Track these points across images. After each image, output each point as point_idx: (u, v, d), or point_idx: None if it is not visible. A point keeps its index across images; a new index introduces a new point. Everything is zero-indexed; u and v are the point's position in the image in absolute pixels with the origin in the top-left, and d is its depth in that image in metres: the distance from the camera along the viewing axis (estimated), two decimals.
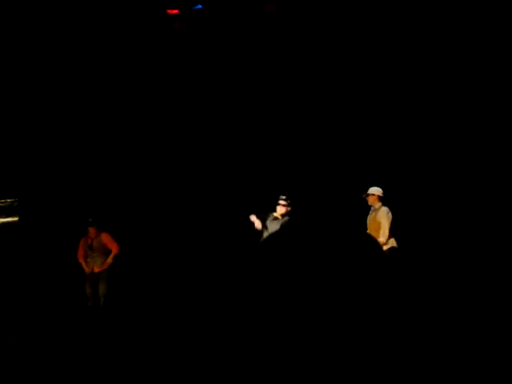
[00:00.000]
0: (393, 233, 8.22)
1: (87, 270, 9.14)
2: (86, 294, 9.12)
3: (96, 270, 9.13)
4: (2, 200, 11.04)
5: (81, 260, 9.22)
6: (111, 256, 9.13)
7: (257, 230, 8.46)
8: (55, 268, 10.23)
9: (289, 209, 8.50)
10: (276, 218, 8.50)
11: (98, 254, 9.17)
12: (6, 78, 10.46)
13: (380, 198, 8.39)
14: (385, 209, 8.27)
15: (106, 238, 9.19)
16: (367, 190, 8.48)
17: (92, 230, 9.16)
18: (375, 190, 8.42)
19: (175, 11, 10.84)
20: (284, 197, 8.55)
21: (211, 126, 11.02)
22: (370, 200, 8.42)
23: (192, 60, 11.01)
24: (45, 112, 10.87)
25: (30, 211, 11.11)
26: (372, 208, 8.43)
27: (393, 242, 8.20)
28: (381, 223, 8.13)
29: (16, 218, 11.09)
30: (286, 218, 8.43)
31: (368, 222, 8.34)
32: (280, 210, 8.50)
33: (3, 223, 10.96)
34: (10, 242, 10.61)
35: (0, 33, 9.98)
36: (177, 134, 11.12)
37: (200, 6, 10.94)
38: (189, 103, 11.11)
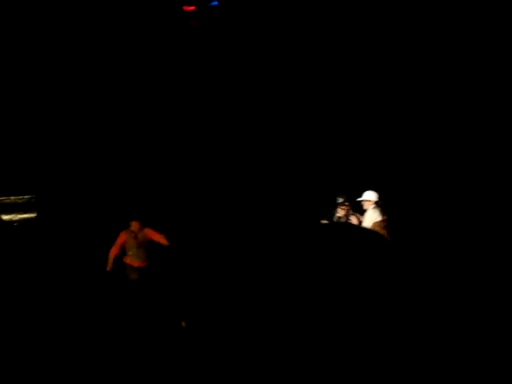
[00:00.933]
0: (388, 231, 8.39)
1: (137, 263, 9.08)
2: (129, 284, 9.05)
3: (140, 264, 9.10)
4: (19, 196, 11.02)
5: (113, 254, 9.01)
6: (164, 244, 9.05)
7: None
8: (72, 265, 10.21)
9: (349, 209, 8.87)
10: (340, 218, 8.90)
11: (142, 249, 9.10)
12: (22, 74, 10.50)
13: (375, 202, 8.60)
14: (371, 212, 8.53)
15: (151, 233, 9.12)
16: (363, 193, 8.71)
17: (136, 225, 9.04)
18: (369, 196, 8.67)
19: (192, 8, 10.93)
20: (344, 198, 8.84)
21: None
22: (365, 205, 8.70)
23: (206, 58, 11.10)
24: (62, 105, 10.91)
25: (47, 208, 11.11)
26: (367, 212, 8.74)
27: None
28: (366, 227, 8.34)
29: (33, 215, 11.07)
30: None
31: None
32: (341, 211, 8.87)
33: (21, 220, 10.94)
34: (27, 239, 10.60)
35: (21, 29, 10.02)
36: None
37: (216, 3, 11.05)
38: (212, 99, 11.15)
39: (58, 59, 10.58)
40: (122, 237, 9.06)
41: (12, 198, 10.95)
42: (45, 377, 6.13)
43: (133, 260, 9.07)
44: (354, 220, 8.86)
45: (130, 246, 9.05)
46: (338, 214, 8.87)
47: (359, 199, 8.78)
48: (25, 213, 10.97)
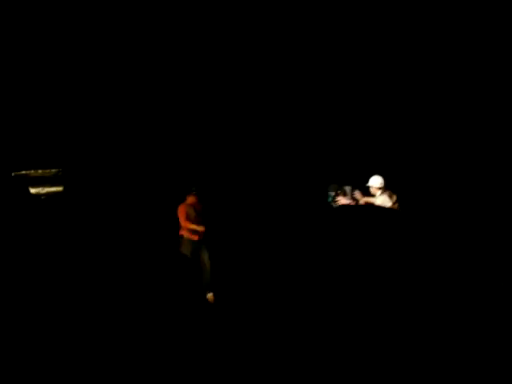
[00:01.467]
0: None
1: (196, 236, 9.26)
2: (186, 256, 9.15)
3: (201, 236, 9.30)
4: (46, 170, 11.04)
5: (192, 225, 9.21)
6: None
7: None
8: (100, 240, 10.23)
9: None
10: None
11: (202, 222, 9.35)
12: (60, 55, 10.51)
13: (379, 188, 8.99)
14: (382, 197, 8.86)
15: (202, 209, 9.46)
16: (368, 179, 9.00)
17: (194, 199, 9.31)
18: (374, 182, 9.03)
19: None
20: (334, 189, 9.01)
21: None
22: (372, 190, 9.05)
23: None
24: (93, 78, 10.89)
25: (74, 181, 11.13)
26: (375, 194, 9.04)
27: None
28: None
29: (60, 188, 11.10)
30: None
31: None
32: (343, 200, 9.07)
33: (48, 193, 10.97)
34: (55, 212, 10.65)
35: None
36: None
37: None
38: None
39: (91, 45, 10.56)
40: (183, 209, 9.28)
41: (39, 171, 10.99)
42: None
43: (191, 233, 9.26)
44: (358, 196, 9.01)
45: (193, 218, 9.29)
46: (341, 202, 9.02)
47: (367, 184, 9.03)
48: (52, 186, 11.02)
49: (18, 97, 10.91)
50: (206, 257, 9.20)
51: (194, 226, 9.20)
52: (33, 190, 10.69)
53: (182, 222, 9.23)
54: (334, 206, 9.01)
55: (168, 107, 11.23)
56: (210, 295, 9.16)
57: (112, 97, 11.01)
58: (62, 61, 10.77)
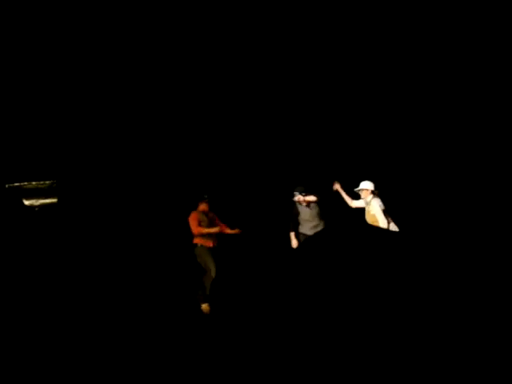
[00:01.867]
0: (392, 218, 8.88)
1: (211, 242, 9.18)
2: (206, 266, 9.02)
3: (215, 243, 9.22)
4: (40, 182, 10.92)
5: (205, 229, 9.12)
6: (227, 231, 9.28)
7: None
8: (94, 251, 10.12)
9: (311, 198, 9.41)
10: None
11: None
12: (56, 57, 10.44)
13: (372, 192, 9.04)
14: (374, 201, 8.89)
15: (214, 216, 9.38)
16: (359, 184, 9.13)
17: (206, 206, 9.25)
18: (366, 185, 9.06)
19: None
20: (299, 190, 9.43)
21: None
22: (363, 194, 9.11)
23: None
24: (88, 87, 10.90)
25: (68, 193, 11.00)
26: (364, 200, 9.11)
27: (393, 227, 8.83)
28: (375, 215, 8.79)
29: (55, 200, 10.96)
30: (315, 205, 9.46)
31: (366, 216, 9.00)
32: (302, 201, 9.39)
33: (42, 205, 10.84)
34: (49, 224, 10.52)
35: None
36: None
37: None
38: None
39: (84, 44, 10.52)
40: (195, 216, 9.20)
41: (33, 183, 10.87)
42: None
43: (206, 240, 9.17)
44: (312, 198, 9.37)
45: (206, 225, 9.20)
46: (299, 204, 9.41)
47: (357, 189, 9.11)
48: (46, 198, 10.86)
49: (11, 108, 10.85)
50: (213, 260, 9.13)
51: (207, 230, 9.08)
52: (27, 202, 10.57)
53: (194, 228, 9.10)
54: (298, 204, 9.34)
55: (171, 113, 11.21)
56: (205, 306, 8.96)
57: (108, 106, 10.98)
58: (56, 71, 10.75)
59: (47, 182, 10.85)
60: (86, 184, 11.12)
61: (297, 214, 9.48)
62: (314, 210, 9.47)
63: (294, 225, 9.50)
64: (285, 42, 10.62)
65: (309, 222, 9.42)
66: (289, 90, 11.02)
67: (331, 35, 10.45)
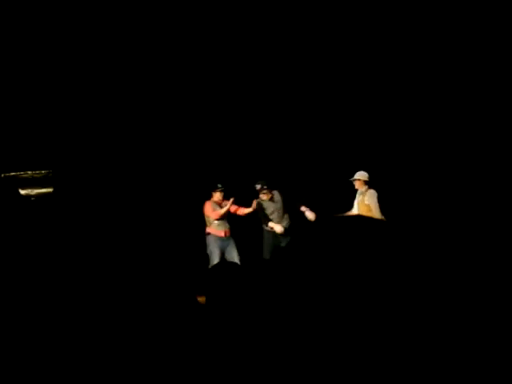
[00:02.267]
0: (382, 212, 8.74)
1: (223, 231, 9.14)
2: (213, 256, 8.92)
3: (228, 233, 9.18)
4: (36, 171, 10.91)
5: (222, 210, 9.06)
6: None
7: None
8: (92, 241, 10.04)
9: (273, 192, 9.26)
10: (263, 199, 9.29)
11: (227, 218, 9.26)
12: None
13: (366, 182, 8.88)
14: (372, 191, 8.79)
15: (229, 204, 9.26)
16: (353, 174, 8.97)
17: (220, 196, 9.19)
18: (361, 175, 8.90)
19: None
20: (258, 186, 9.21)
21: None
22: (357, 184, 8.92)
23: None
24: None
25: (65, 183, 10.96)
26: (358, 191, 8.93)
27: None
28: (370, 205, 8.70)
29: (50, 190, 10.93)
30: (278, 198, 9.27)
31: (357, 205, 8.87)
32: (263, 196, 9.22)
33: (38, 194, 10.81)
34: (45, 214, 10.46)
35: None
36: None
37: None
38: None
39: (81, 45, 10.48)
40: (210, 204, 9.19)
41: (29, 172, 10.84)
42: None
43: (218, 230, 9.14)
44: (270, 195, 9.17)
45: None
46: (262, 199, 9.25)
47: (351, 179, 8.94)
48: (42, 187, 10.85)
49: (6, 98, 10.75)
50: (234, 254, 9.04)
51: (224, 209, 9.00)
52: (23, 192, 10.52)
53: (211, 213, 9.04)
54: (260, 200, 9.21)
55: (164, 104, 11.13)
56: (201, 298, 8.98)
57: (103, 95, 10.89)
58: (52, 61, 10.65)
59: (43, 172, 10.93)
60: (82, 174, 11.02)
61: (262, 209, 9.31)
62: (278, 203, 9.30)
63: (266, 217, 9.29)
64: (285, 42, 10.65)
65: (274, 217, 9.24)
66: (289, 90, 11.04)
67: (331, 35, 10.51)
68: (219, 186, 9.19)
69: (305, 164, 11.02)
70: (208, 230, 9.20)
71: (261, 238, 9.34)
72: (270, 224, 9.15)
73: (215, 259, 8.85)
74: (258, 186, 9.23)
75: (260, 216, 9.24)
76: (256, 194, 9.37)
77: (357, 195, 9.05)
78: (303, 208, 9.04)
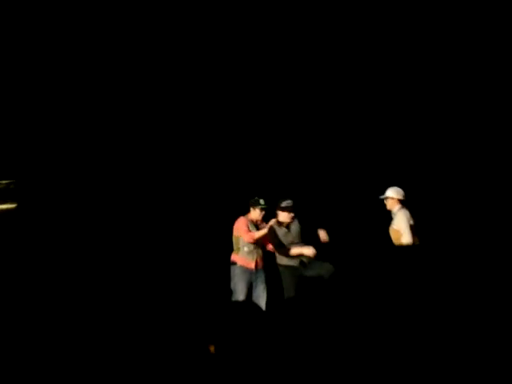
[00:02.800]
0: (417, 234, 7.15)
1: (253, 263, 7.36)
2: (237, 293, 7.23)
3: (260, 264, 7.39)
4: None
5: (260, 233, 7.27)
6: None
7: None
8: (60, 265, 8.33)
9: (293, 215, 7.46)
10: (281, 224, 7.45)
11: (261, 245, 7.45)
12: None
13: (399, 201, 7.21)
14: (401, 213, 7.10)
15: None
16: (384, 191, 7.32)
17: (260, 214, 7.46)
18: (394, 192, 7.25)
19: None
20: (289, 202, 7.41)
21: None
22: (389, 204, 7.26)
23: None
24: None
25: (29, 196, 9.12)
26: (392, 213, 7.24)
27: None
28: (400, 231, 7.05)
29: (13, 205, 9.08)
30: (296, 226, 7.49)
31: (390, 232, 7.20)
32: (285, 217, 7.36)
33: None
34: (6, 234, 8.69)
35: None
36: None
37: None
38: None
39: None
40: (245, 222, 7.39)
41: None
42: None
43: (248, 259, 7.39)
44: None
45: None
46: (280, 219, 7.41)
47: (382, 196, 7.25)
48: (3, 202, 9.05)
49: None
50: (260, 291, 7.35)
51: (261, 232, 7.23)
52: None
53: (245, 233, 7.29)
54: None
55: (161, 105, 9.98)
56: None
57: (73, 96, 9.47)
58: (16, 66, 9.38)
59: (3, 182, 9.11)
60: (52, 185, 9.20)
61: (275, 236, 7.48)
62: (296, 233, 7.48)
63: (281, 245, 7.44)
64: (285, 42, 9.99)
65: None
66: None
67: (331, 35, 9.96)
68: (261, 202, 7.47)
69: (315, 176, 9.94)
70: (234, 257, 7.46)
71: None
72: (294, 251, 7.28)
73: (240, 296, 7.16)
74: (287, 204, 7.37)
75: (273, 244, 7.43)
76: (271, 214, 7.57)
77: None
78: (322, 235, 7.33)
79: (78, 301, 7.60)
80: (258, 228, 7.42)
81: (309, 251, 7.13)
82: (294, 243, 7.33)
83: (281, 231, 7.35)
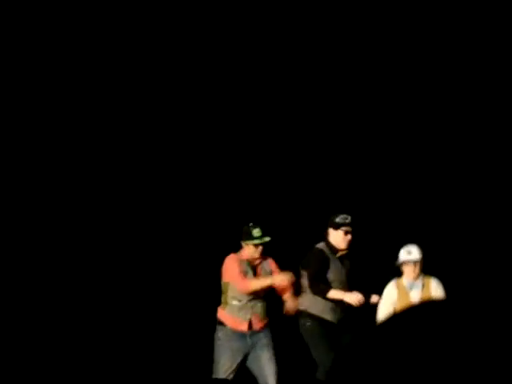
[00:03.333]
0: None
1: (245, 325, 5.19)
2: (218, 366, 5.13)
3: (258, 324, 5.26)
4: None
5: (259, 282, 5.26)
6: (290, 297, 5.19)
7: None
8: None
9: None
10: (335, 252, 5.55)
11: (262, 294, 5.32)
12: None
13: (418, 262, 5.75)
14: (436, 279, 5.84)
15: (274, 266, 5.45)
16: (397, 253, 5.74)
17: (258, 252, 5.30)
18: (414, 256, 5.65)
19: None
20: (347, 217, 5.67)
21: None
22: (417, 269, 5.66)
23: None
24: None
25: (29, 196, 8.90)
26: (410, 282, 5.68)
27: None
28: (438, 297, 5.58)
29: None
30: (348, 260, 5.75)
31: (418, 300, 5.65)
32: (341, 240, 5.55)
33: None
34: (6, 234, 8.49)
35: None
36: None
37: None
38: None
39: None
40: (236, 264, 5.28)
41: None
42: None
43: (238, 318, 5.24)
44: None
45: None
46: (333, 242, 5.62)
47: (401, 261, 5.63)
48: None
49: None
50: (266, 363, 5.16)
51: (261, 282, 5.18)
52: None
53: (237, 278, 5.21)
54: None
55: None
56: None
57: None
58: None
59: None
60: (52, 185, 9.01)
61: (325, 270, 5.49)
62: (347, 270, 5.59)
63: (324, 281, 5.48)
64: (284, 42, 9.91)
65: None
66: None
67: (331, 35, 9.89)
68: (255, 234, 5.28)
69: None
70: (220, 314, 5.43)
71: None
72: (334, 293, 5.34)
73: (220, 373, 5.11)
74: (344, 219, 5.61)
75: (312, 279, 5.35)
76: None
77: (405, 284, 5.76)
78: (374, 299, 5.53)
79: (77, 301, 7.58)
80: (255, 269, 5.36)
81: (352, 298, 5.27)
82: (341, 283, 5.48)
83: (334, 264, 5.54)
